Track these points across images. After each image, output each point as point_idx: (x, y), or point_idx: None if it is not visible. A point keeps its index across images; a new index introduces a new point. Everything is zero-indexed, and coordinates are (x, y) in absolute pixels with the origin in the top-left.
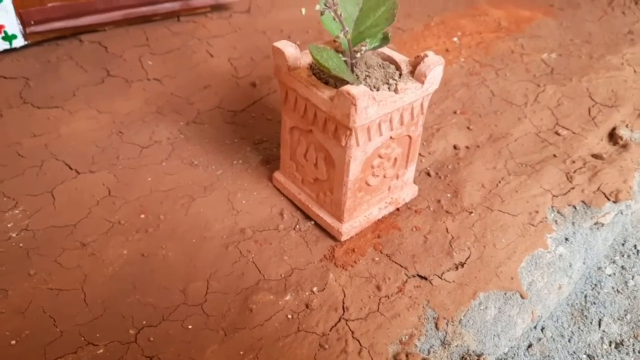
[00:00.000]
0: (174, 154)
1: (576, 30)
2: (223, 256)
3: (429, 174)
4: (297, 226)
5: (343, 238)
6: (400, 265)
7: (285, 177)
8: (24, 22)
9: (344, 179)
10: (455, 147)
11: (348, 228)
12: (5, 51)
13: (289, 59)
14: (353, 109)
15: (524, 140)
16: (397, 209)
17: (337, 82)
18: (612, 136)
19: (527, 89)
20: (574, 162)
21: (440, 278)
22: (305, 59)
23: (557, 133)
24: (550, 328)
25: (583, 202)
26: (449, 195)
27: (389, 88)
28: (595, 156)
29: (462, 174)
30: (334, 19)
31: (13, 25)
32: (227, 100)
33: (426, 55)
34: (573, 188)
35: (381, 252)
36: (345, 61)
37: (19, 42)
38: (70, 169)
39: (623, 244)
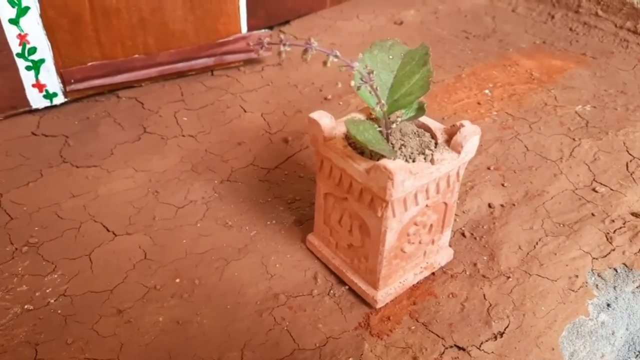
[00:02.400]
0: (208, 214)
1: (610, 80)
2: (257, 324)
3: (463, 235)
4: (331, 291)
5: (378, 305)
6: (437, 335)
7: (319, 241)
8: (64, 80)
9: (379, 248)
10: (490, 206)
11: (383, 295)
12: (46, 108)
13: (324, 130)
14: (390, 183)
15: (560, 198)
16: (433, 274)
17: (372, 152)
18: None
19: (562, 143)
20: (613, 221)
21: (479, 349)
22: (341, 128)
23: (594, 190)
24: None
25: (624, 264)
26: (485, 258)
27: (424, 159)
28: (635, 215)
29: (498, 234)
30: (370, 93)
31: (54, 84)
32: (260, 158)
33: (462, 125)
34: (614, 249)
35: (417, 321)
36: (380, 131)
37: (59, 99)
38: (108, 231)
39: None
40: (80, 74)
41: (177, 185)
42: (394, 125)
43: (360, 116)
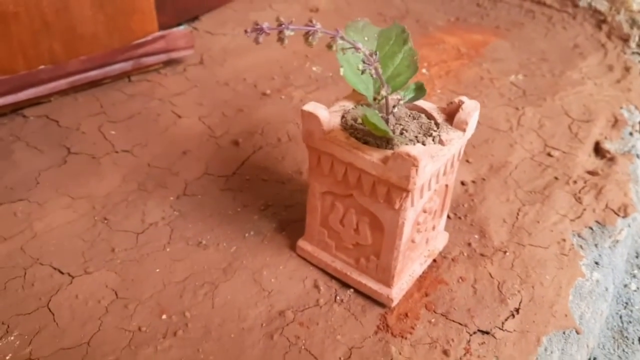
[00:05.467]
0: (175, 235)
1: (529, 49)
2: (271, 348)
3: (448, 216)
4: (338, 297)
5: (394, 304)
6: (460, 324)
7: (313, 245)
8: None
9: (395, 242)
10: (463, 183)
11: (397, 292)
12: None
13: (323, 123)
14: (414, 171)
15: (523, 166)
16: (434, 261)
17: (377, 141)
18: (598, 150)
19: (507, 113)
20: (575, 182)
21: (502, 330)
22: (334, 119)
23: (549, 155)
24: (600, 358)
25: (597, 222)
26: (476, 236)
27: (433, 140)
28: (591, 173)
29: (480, 211)
30: (371, 76)
31: None
32: (213, 165)
33: (462, 102)
34: (585, 209)
35: (435, 312)
36: (381, 116)
37: None
38: (62, 273)
39: (637, 257)
40: None
41: (128, 208)
42: (395, 109)
43: (350, 104)
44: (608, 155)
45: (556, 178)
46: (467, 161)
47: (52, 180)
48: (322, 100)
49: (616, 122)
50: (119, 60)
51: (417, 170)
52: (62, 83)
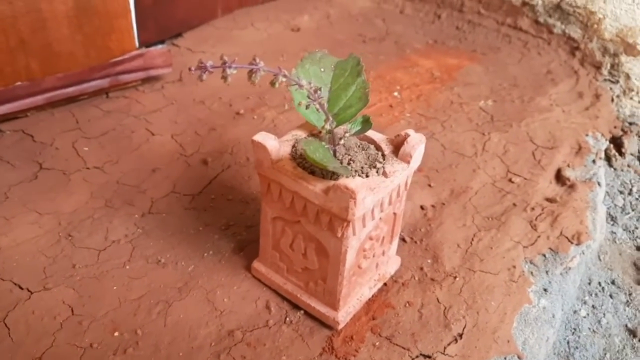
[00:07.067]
0: (136, 253)
1: (502, 74)
2: None
3: (404, 240)
4: (287, 318)
5: (340, 327)
6: (402, 347)
7: (267, 267)
8: None
9: (339, 269)
10: (422, 208)
11: (344, 315)
12: None
13: (271, 153)
14: (352, 202)
15: (483, 192)
16: (385, 284)
17: (323, 171)
18: (559, 177)
19: (473, 138)
20: (533, 209)
21: (444, 354)
22: (285, 148)
23: (510, 181)
24: None
25: (550, 249)
26: (429, 260)
27: (377, 172)
28: (550, 200)
29: (436, 235)
30: (317, 111)
31: None
32: (181, 184)
33: (408, 135)
34: (539, 236)
35: (380, 335)
36: (328, 148)
37: None
38: (21, 288)
39: (589, 283)
40: None
41: (93, 225)
42: (342, 142)
43: (302, 133)
44: (568, 183)
45: (514, 204)
46: (429, 185)
47: (22, 196)
48: (293, 120)
49: (580, 150)
50: (96, 77)
51: (355, 202)
52: (38, 99)
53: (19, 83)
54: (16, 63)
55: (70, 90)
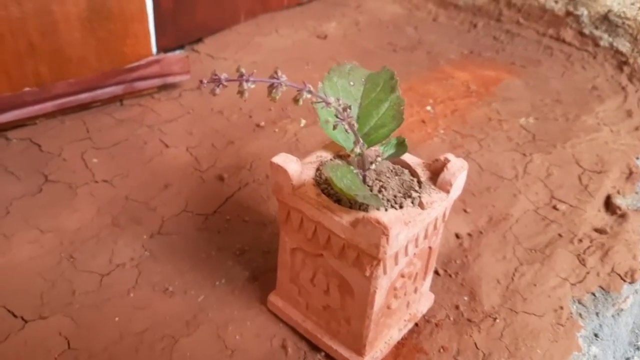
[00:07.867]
0: (142, 279)
1: (543, 89)
2: None
3: (437, 273)
4: None
5: None
6: None
7: (284, 301)
8: None
9: (367, 311)
10: (457, 236)
11: None
12: None
13: (293, 177)
14: (384, 239)
15: (524, 220)
16: (416, 324)
17: (351, 200)
18: (609, 205)
19: (513, 159)
20: (581, 241)
21: None
22: (308, 172)
23: (555, 208)
24: None
25: (601, 287)
26: (465, 298)
27: (412, 202)
28: (599, 231)
29: (473, 269)
30: (346, 131)
31: None
32: (194, 201)
33: (448, 160)
34: (588, 273)
35: None
36: (356, 173)
37: None
38: (15, 316)
39: None
40: None
41: (97, 246)
42: (372, 166)
43: (328, 155)
44: (619, 212)
45: (560, 235)
46: (465, 210)
47: (24, 211)
48: (317, 135)
49: (630, 174)
50: (110, 84)
51: (387, 238)
52: (48, 105)
53: (27, 89)
54: (24, 67)
55: (83, 96)
